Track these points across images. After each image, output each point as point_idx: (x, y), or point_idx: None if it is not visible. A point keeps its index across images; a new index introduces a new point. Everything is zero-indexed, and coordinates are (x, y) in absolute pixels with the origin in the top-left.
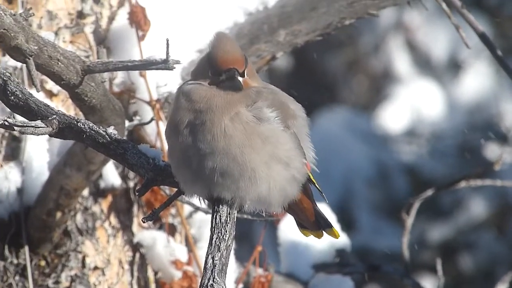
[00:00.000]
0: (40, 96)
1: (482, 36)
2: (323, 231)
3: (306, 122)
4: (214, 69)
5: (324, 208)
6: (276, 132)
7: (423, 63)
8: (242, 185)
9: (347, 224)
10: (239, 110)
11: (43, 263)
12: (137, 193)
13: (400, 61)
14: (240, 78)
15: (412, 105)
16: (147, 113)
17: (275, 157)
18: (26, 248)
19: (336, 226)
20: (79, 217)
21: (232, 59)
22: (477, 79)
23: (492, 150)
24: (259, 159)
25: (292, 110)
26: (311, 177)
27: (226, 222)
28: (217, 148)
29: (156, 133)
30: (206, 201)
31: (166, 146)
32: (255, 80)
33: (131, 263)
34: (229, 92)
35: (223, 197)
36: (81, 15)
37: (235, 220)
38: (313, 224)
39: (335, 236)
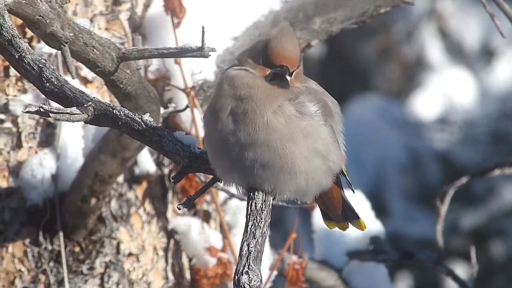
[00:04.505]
0: (75, 83)
1: None
2: (349, 223)
3: (341, 118)
4: (267, 60)
5: (359, 196)
6: (317, 127)
7: (456, 50)
8: (282, 178)
9: (380, 211)
10: (282, 104)
11: (77, 249)
12: (172, 180)
13: (433, 48)
14: (288, 77)
15: (444, 93)
16: (182, 100)
17: (315, 151)
18: (61, 234)
19: (368, 214)
20: (113, 204)
21: (288, 57)
22: (510, 67)
23: None
24: (299, 153)
25: (330, 108)
26: (343, 169)
27: (261, 209)
28: (258, 140)
29: (191, 120)
30: (243, 189)
31: (201, 133)
32: (299, 81)
33: (166, 250)
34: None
35: (263, 188)
36: (116, 2)
37: (270, 207)
38: (340, 215)
39: (361, 228)
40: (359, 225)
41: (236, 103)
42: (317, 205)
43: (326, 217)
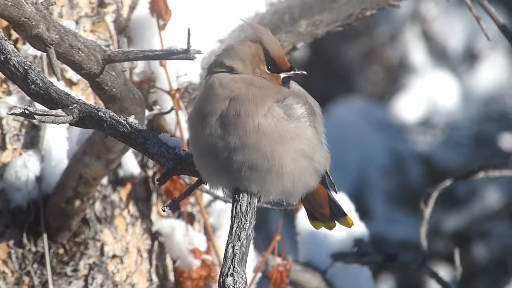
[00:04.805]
0: (60, 85)
1: (503, 28)
2: (336, 221)
3: (322, 119)
4: (276, 66)
5: (342, 198)
6: (304, 129)
7: (439, 53)
8: (269, 180)
9: (362, 213)
10: (271, 106)
11: (61, 251)
12: (157, 182)
13: (416, 51)
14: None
15: (428, 96)
16: (167, 102)
17: (301, 152)
18: (45, 236)
19: (353, 215)
20: (98, 206)
21: (285, 57)
22: (493, 70)
23: (506, 141)
24: (287, 155)
25: (314, 109)
26: (328, 170)
27: (246, 212)
28: (248, 143)
29: (176, 122)
30: (229, 192)
31: (186, 135)
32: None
33: (150, 252)
34: (263, 86)
35: (250, 190)
36: (102, 4)
37: (255, 209)
38: (326, 214)
39: (348, 225)
40: (346, 222)
41: (227, 107)
42: (303, 206)
43: (312, 217)
